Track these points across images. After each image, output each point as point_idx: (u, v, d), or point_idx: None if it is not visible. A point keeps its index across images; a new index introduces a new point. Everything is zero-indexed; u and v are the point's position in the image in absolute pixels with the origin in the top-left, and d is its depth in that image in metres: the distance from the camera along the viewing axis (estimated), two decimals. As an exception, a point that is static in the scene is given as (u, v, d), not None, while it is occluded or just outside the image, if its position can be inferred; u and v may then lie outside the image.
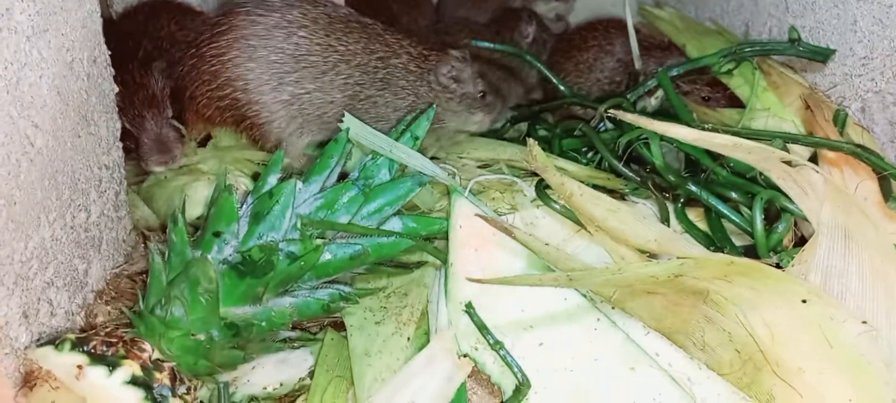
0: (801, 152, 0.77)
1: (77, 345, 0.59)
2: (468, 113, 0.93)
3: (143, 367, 0.58)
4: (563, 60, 1.19)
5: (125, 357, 0.58)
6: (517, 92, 1.25)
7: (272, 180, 0.69)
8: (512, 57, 1.18)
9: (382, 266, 0.73)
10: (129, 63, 0.97)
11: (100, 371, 0.56)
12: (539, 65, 1.09)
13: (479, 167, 0.96)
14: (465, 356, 0.65)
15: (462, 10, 1.37)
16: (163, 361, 0.59)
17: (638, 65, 1.10)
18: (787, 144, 0.74)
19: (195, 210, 0.89)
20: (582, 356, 0.64)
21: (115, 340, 0.59)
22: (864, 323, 0.58)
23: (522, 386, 0.63)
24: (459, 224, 0.71)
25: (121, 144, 0.86)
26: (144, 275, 0.83)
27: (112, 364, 0.56)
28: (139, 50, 1.03)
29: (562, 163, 0.82)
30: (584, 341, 0.65)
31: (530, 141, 0.62)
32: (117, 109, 0.85)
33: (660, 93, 1.04)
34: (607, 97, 1.08)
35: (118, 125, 0.85)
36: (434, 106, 0.83)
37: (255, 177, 0.89)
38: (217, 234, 0.64)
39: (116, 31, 1.10)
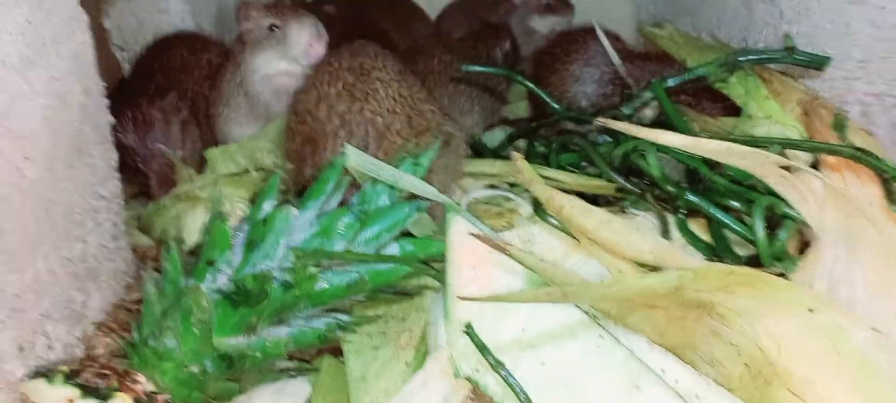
0: (801, 158, 0.76)
1: (69, 378, 0.58)
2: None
3: (137, 400, 0.57)
4: (548, 73, 1.19)
5: (118, 390, 0.57)
6: (490, 107, 1.25)
7: (267, 207, 0.68)
8: (491, 76, 1.18)
9: (381, 293, 0.72)
10: (141, 98, 0.99)
11: (91, 406, 0.55)
12: (530, 85, 1.08)
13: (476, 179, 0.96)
14: (465, 377, 0.63)
15: (457, 29, 1.37)
16: (156, 394, 0.58)
17: (621, 71, 1.10)
18: (786, 150, 0.73)
19: (194, 237, 0.89)
20: (585, 374, 0.62)
21: (108, 372, 0.58)
22: (874, 330, 0.56)
23: (525, 408, 0.62)
24: (456, 242, 0.70)
25: (118, 175, 0.86)
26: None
27: (104, 397, 0.55)
28: (150, 84, 1.06)
29: (553, 173, 0.81)
30: (587, 359, 0.63)
31: (514, 154, 0.61)
32: (122, 142, 0.86)
33: (655, 104, 1.03)
34: (600, 110, 1.08)
35: (115, 156, 0.85)
36: (438, 135, 0.81)
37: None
38: (210, 263, 0.63)
39: (138, 68, 1.13)
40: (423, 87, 0.87)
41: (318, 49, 0.96)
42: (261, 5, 0.99)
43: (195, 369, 0.59)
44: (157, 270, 0.67)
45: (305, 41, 0.96)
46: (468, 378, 0.65)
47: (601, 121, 0.66)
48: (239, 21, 1.00)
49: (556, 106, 1.06)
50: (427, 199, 0.72)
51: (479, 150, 1.12)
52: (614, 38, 1.13)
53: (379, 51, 0.83)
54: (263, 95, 1.01)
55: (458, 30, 1.34)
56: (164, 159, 0.97)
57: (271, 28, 0.97)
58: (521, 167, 0.60)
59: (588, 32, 1.18)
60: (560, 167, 0.92)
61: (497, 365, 0.63)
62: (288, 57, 0.98)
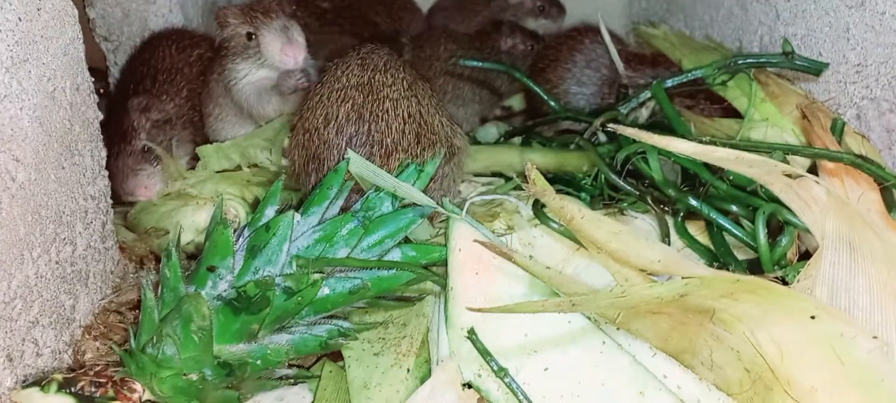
0: (800, 163, 0.76)
1: (64, 386, 0.56)
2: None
3: (134, 410, 0.55)
4: (547, 71, 1.18)
5: (114, 399, 0.55)
6: (489, 100, 1.25)
7: (269, 212, 0.67)
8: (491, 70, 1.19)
9: (383, 299, 0.71)
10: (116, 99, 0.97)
11: (87, 416, 0.53)
12: (527, 80, 1.08)
13: (475, 176, 0.95)
14: (468, 385, 0.63)
15: (451, 22, 1.36)
16: (154, 402, 0.57)
17: (621, 70, 1.10)
18: (787, 156, 0.73)
19: (187, 236, 0.87)
20: (589, 380, 0.62)
21: (104, 380, 0.57)
22: (876, 338, 0.57)
23: (528, 414, 0.62)
24: (459, 247, 0.69)
25: (107, 173, 0.84)
26: (133, 306, 0.80)
27: (100, 408, 0.54)
28: (140, 85, 1.05)
29: (538, 154, 0.82)
30: (591, 365, 0.63)
31: (529, 165, 0.61)
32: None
33: (650, 104, 1.03)
34: (595, 109, 1.07)
35: (104, 154, 0.83)
36: (443, 148, 0.81)
37: (255, 206, 0.87)
38: (211, 269, 0.62)
39: (127, 69, 1.11)
40: (435, 96, 0.85)
41: (293, 54, 0.94)
42: (238, 10, 0.97)
43: (194, 377, 0.58)
44: (152, 271, 0.65)
45: (278, 50, 0.94)
46: (469, 384, 0.64)
47: (612, 126, 0.66)
48: (219, 28, 0.99)
49: (554, 104, 1.05)
50: (430, 207, 0.71)
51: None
52: (615, 40, 1.13)
53: (389, 61, 0.81)
54: (249, 99, 1.00)
55: (454, 24, 1.33)
56: (130, 159, 0.96)
57: (249, 37, 0.96)
58: (533, 178, 0.60)
59: (589, 32, 1.18)
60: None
61: (500, 372, 0.63)
62: (265, 66, 0.97)
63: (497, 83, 1.26)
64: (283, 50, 0.94)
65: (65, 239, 0.73)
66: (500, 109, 1.35)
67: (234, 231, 0.65)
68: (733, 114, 0.96)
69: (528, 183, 0.60)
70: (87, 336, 0.75)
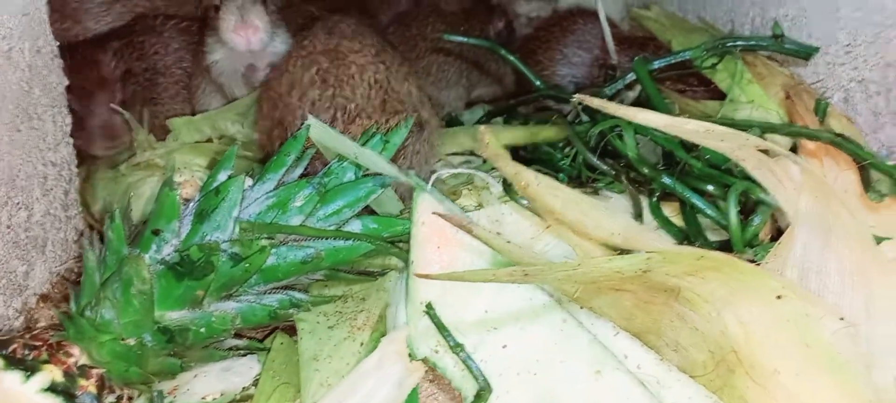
0: (780, 143, 0.73)
1: (-7, 349, 0.54)
2: None
3: (67, 373, 0.53)
4: (539, 52, 1.16)
5: (47, 363, 0.53)
6: (477, 82, 1.23)
7: (222, 177, 0.64)
8: (483, 52, 1.15)
9: (343, 272, 0.68)
10: (82, 42, 0.94)
11: (14, 377, 0.51)
12: (513, 58, 1.05)
13: (451, 156, 0.93)
14: (422, 359, 0.60)
15: (445, 2, 1.34)
16: (90, 367, 0.55)
17: (612, 52, 1.07)
18: (766, 135, 0.71)
19: (149, 207, 0.85)
20: (547, 359, 0.60)
21: (39, 344, 0.55)
22: (842, 319, 0.54)
23: (483, 391, 0.59)
24: (422, 220, 0.67)
25: (71, 140, 0.82)
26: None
27: (30, 370, 0.52)
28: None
29: (509, 132, 0.80)
30: (550, 343, 0.61)
31: (481, 128, 0.58)
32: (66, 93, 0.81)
33: (638, 86, 1.00)
34: (580, 88, 1.05)
35: (68, 120, 0.81)
36: (411, 116, 0.78)
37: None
38: (156, 232, 0.60)
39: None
40: (405, 64, 0.83)
41: (246, 35, 0.89)
42: None
43: (133, 342, 0.56)
44: (102, 238, 0.63)
45: (231, 27, 0.90)
46: (426, 360, 0.62)
47: (579, 97, 0.63)
48: None
49: (537, 82, 1.03)
50: (392, 176, 0.69)
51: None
52: (611, 25, 1.10)
53: (356, 28, 0.79)
54: (221, 78, 0.98)
55: (444, 3, 1.30)
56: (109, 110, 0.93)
57: (216, 9, 0.92)
58: (487, 141, 0.57)
59: (583, 14, 1.15)
60: (535, 145, 0.89)
61: (456, 347, 0.61)
62: (223, 42, 0.93)
63: (487, 65, 1.24)
64: (235, 29, 0.89)
65: (19, 203, 0.71)
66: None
67: (191, 199, 0.63)
68: (722, 97, 0.93)
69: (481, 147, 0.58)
70: (43, 305, 0.74)
